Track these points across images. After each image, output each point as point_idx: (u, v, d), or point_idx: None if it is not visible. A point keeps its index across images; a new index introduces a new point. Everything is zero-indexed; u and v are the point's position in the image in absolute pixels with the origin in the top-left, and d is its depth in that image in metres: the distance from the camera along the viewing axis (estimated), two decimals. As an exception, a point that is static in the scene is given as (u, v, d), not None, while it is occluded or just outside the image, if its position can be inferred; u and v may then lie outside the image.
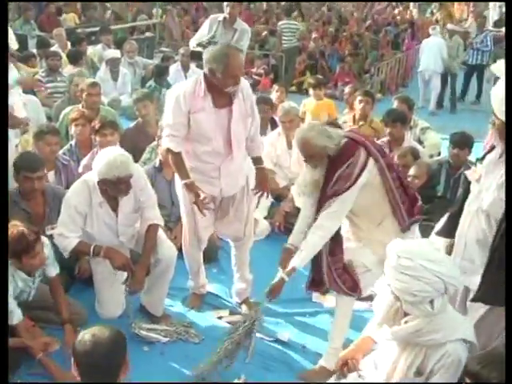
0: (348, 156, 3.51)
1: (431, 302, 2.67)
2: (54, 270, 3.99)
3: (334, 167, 3.55)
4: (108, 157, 3.84)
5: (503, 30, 17.12)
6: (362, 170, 3.49)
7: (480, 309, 3.08)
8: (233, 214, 4.29)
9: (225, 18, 7.00)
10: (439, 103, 12.09)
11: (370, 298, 4.64)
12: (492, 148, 3.14)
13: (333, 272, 3.64)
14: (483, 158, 3.15)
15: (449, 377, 2.67)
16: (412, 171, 5.11)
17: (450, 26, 12.65)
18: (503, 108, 2.85)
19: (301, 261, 3.59)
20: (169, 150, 3.99)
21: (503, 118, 2.87)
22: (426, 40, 12.50)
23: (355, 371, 3.15)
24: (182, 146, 3.96)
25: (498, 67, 2.92)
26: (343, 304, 3.77)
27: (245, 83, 4.08)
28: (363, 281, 3.69)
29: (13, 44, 4.97)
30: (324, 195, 3.60)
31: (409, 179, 5.13)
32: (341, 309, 3.80)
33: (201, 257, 4.50)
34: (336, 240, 3.66)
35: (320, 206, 3.63)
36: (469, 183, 3.20)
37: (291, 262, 3.60)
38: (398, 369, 2.81)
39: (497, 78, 2.95)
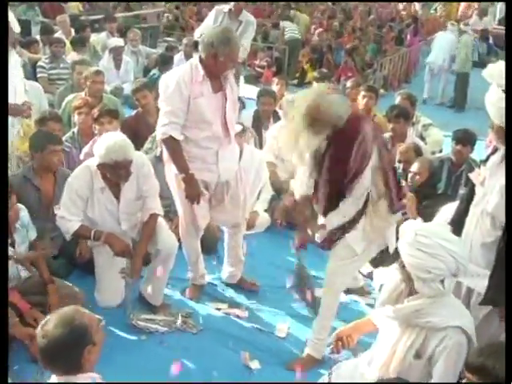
0: (357, 131, 3.39)
1: (442, 281, 2.71)
2: (33, 234, 4.05)
3: (342, 141, 3.42)
4: (108, 141, 3.87)
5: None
6: (371, 147, 3.44)
7: (483, 309, 3.09)
8: (229, 200, 4.30)
9: (230, 10, 6.98)
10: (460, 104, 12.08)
11: (358, 291, 4.68)
12: (495, 150, 3.14)
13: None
14: (487, 159, 3.15)
15: (452, 364, 2.68)
16: (413, 168, 5.10)
17: (462, 26, 12.66)
18: (499, 112, 2.87)
19: (331, 223, 3.60)
20: (168, 139, 3.94)
21: (499, 122, 2.90)
22: (441, 33, 12.57)
23: (348, 348, 3.23)
24: (182, 135, 3.96)
25: (490, 72, 2.91)
26: (329, 295, 3.80)
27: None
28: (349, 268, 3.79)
29: (15, 27, 4.92)
30: (336, 171, 3.48)
31: (410, 175, 5.13)
32: (326, 299, 3.81)
33: (199, 246, 4.50)
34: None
35: (331, 183, 3.52)
36: (473, 184, 3.20)
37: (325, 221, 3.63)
38: (398, 350, 2.83)
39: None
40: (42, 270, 4.05)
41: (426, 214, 4.77)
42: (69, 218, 3.97)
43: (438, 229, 2.82)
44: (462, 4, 20.35)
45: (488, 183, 3.06)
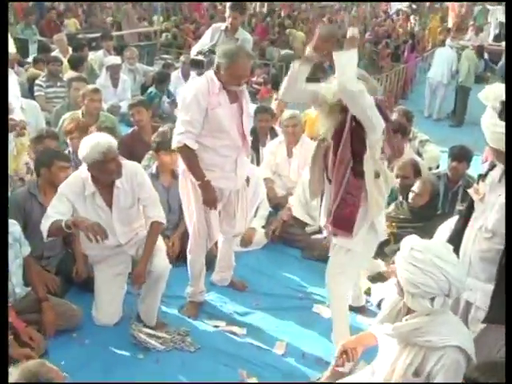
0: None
1: (432, 299, 2.70)
2: (26, 250, 4.01)
3: None
4: (88, 141, 3.90)
5: (503, 44, 17.31)
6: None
7: (480, 323, 3.07)
8: (238, 210, 4.44)
9: (227, 27, 7.00)
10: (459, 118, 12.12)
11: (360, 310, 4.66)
12: (494, 166, 3.14)
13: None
14: (486, 175, 3.14)
15: (449, 382, 2.66)
16: (415, 188, 5.07)
17: (462, 41, 12.77)
18: (494, 136, 2.89)
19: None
20: (183, 147, 4.04)
21: (493, 145, 2.93)
22: (440, 49, 12.68)
23: (353, 361, 3.21)
24: (196, 144, 4.06)
25: (486, 94, 2.91)
26: (336, 301, 3.86)
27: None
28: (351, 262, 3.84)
29: (10, 47, 4.91)
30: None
31: (411, 195, 5.11)
32: (335, 306, 3.86)
33: (203, 262, 4.53)
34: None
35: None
36: (472, 200, 3.19)
37: None
38: (398, 367, 2.81)
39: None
40: (37, 288, 4.03)
41: (424, 235, 4.78)
42: (52, 215, 3.82)
43: (435, 246, 2.79)
44: (450, 20, 20.47)
45: (487, 199, 3.05)
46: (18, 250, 3.93)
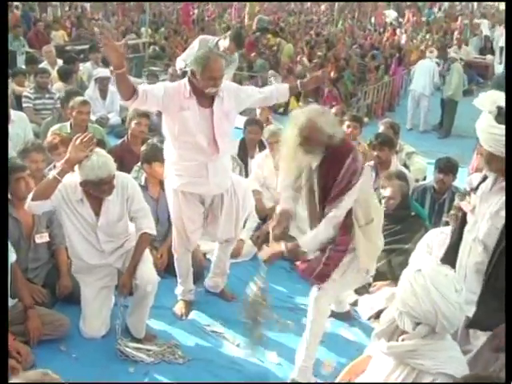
0: (350, 150, 3.56)
1: (417, 323, 2.67)
2: (12, 257, 3.98)
3: (334, 161, 3.55)
4: (90, 159, 3.87)
5: (488, 57, 17.53)
6: (362, 166, 3.59)
7: (481, 338, 3.09)
8: (223, 216, 4.48)
9: (217, 44, 6.99)
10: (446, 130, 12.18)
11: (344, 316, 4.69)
12: (484, 178, 3.17)
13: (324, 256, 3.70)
14: (477, 188, 3.18)
15: None
16: (386, 192, 5.12)
17: (453, 53, 12.86)
18: (491, 138, 2.92)
19: (307, 244, 3.66)
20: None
21: (489, 148, 2.95)
22: (422, 61, 12.77)
23: None
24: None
25: (481, 101, 2.97)
26: (314, 323, 3.85)
27: (227, 83, 4.32)
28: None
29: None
30: (326, 190, 3.61)
31: (384, 200, 5.14)
32: (312, 327, 3.86)
33: (189, 260, 4.65)
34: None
35: (323, 198, 3.65)
36: (465, 213, 3.22)
37: (299, 240, 3.65)
38: None
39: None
40: (22, 295, 4.01)
41: (401, 238, 4.87)
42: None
43: (441, 279, 2.66)
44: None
45: (478, 211, 3.08)
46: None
